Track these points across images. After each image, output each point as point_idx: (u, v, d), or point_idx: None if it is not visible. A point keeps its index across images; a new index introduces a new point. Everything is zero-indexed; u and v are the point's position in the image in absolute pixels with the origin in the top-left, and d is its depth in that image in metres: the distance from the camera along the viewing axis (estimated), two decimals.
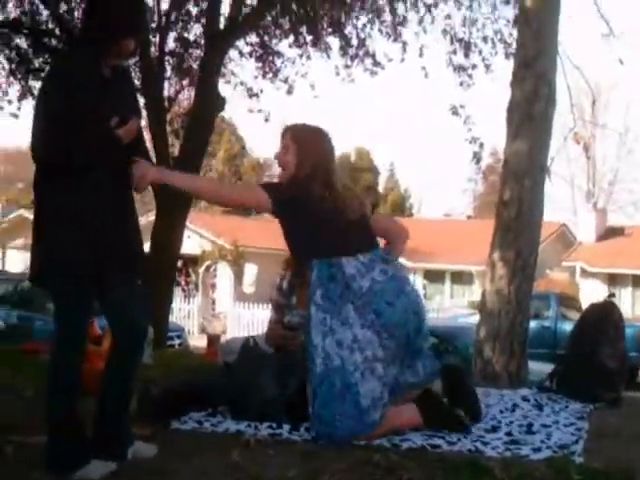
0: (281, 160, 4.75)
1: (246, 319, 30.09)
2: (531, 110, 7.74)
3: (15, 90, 15.37)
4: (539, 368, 8.21)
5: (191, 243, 27.43)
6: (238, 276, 35.08)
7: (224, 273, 35.09)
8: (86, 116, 3.77)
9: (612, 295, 7.40)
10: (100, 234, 3.86)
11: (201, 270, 35.41)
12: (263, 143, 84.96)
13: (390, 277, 4.55)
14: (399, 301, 4.51)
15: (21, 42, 15.11)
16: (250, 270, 35.51)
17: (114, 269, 3.97)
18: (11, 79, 15.17)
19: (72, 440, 3.87)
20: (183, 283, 34.90)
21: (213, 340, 7.51)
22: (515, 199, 7.67)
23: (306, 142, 4.71)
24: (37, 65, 14.85)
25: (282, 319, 5.72)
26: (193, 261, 35.56)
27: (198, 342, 20.74)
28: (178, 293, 27.43)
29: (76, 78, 3.82)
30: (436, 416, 4.67)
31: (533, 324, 8.21)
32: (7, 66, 15.28)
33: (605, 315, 6.50)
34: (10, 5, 14.62)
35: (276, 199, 4.53)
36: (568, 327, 18.42)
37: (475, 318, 7.57)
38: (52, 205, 3.83)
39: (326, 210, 4.55)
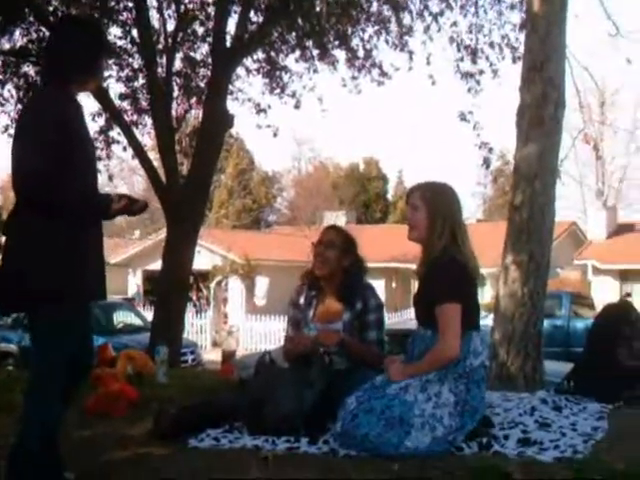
0: (411, 220, 4.82)
1: (258, 331, 30.16)
2: (541, 114, 7.73)
3: None
4: (553, 367, 8.18)
5: (202, 258, 27.45)
6: (249, 289, 35.14)
7: (235, 287, 35.15)
8: (78, 145, 3.88)
9: (628, 295, 7.41)
10: (93, 263, 4.01)
11: (212, 285, 35.48)
12: (271, 156, 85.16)
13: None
14: (484, 395, 4.73)
15: (29, 70, 15.19)
16: (261, 283, 35.56)
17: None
18: (20, 107, 15.19)
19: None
20: (195, 298, 34.95)
21: (228, 356, 7.47)
22: (526, 202, 7.66)
23: (435, 201, 4.77)
24: None
25: (299, 333, 5.68)
26: (204, 276, 35.65)
27: (211, 356, 20.78)
28: (190, 308, 27.45)
29: (64, 110, 3.92)
30: None
31: (546, 323, 8.18)
32: (15, 94, 15.35)
33: (622, 315, 6.46)
34: (17, 34, 14.68)
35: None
36: (581, 325, 18.52)
37: (488, 320, 7.55)
38: (47, 231, 3.83)
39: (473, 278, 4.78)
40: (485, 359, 4.76)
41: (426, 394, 4.48)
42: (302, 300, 5.77)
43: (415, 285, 5.05)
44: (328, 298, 5.64)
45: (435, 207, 4.75)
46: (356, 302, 5.53)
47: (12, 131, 15.04)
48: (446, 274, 4.65)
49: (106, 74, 14.12)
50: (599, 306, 20.49)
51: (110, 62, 14.43)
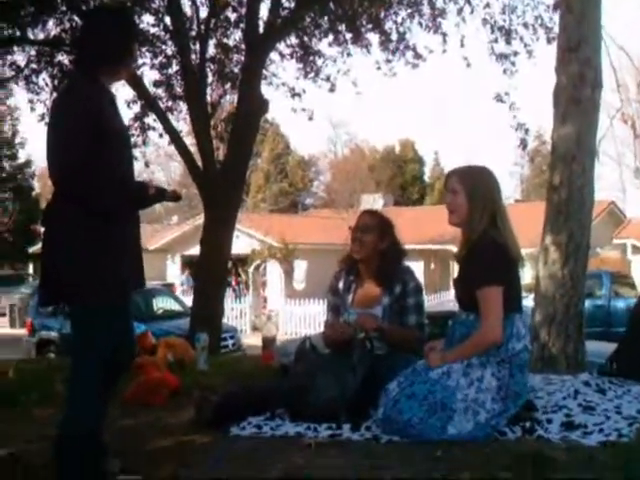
0: (451, 204, 4.81)
1: (298, 315, 30.23)
2: (577, 94, 7.65)
3: None
4: (594, 347, 8.12)
5: (240, 243, 27.52)
6: (288, 273, 35.20)
7: (274, 271, 35.22)
8: (111, 136, 3.90)
9: None
10: (131, 252, 4.06)
11: (251, 269, 35.58)
12: (307, 140, 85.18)
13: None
14: (527, 380, 4.74)
15: (63, 59, 15.26)
16: (300, 266, 35.62)
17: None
18: (55, 95, 15.25)
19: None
20: (234, 283, 35.06)
21: (268, 342, 7.46)
22: (565, 183, 7.59)
23: (474, 183, 4.77)
24: None
25: (338, 319, 5.68)
26: (242, 261, 35.78)
27: (251, 340, 20.84)
28: (229, 293, 27.56)
29: (96, 100, 3.93)
30: None
31: (586, 303, 8.10)
32: (50, 83, 15.43)
33: None
34: (50, 23, 14.74)
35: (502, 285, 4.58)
36: (621, 305, 18.37)
37: (529, 301, 7.48)
38: (84, 222, 3.85)
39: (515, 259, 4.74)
40: (528, 342, 4.70)
41: (469, 379, 4.46)
42: (341, 285, 5.77)
43: (454, 266, 5.05)
44: (367, 283, 5.64)
45: (474, 190, 4.73)
46: (395, 286, 5.52)
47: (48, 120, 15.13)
48: (487, 257, 4.62)
49: (140, 62, 14.15)
50: None
51: (143, 49, 14.48)
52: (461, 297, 4.83)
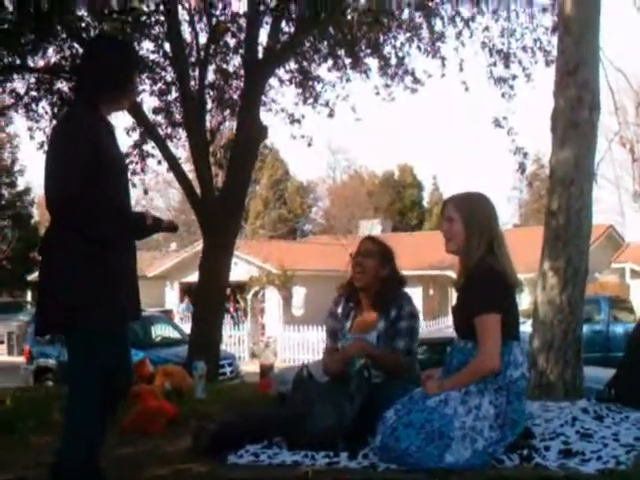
0: (447, 232, 4.83)
1: (296, 342, 30.20)
2: (575, 118, 7.65)
3: None
4: (593, 373, 8.10)
5: (238, 270, 27.54)
6: (287, 300, 35.20)
7: (272, 297, 35.23)
8: (108, 165, 3.91)
9: None
10: (127, 283, 4.08)
11: (249, 296, 35.55)
12: (306, 166, 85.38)
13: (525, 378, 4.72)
14: (525, 408, 4.72)
15: (62, 86, 15.31)
16: (298, 293, 35.60)
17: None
18: (54, 122, 15.30)
19: None
20: (232, 310, 35.04)
21: (266, 370, 7.44)
22: (563, 208, 7.58)
23: (470, 211, 4.79)
24: None
25: (336, 345, 5.67)
26: (241, 287, 35.74)
27: (249, 367, 20.79)
28: (227, 320, 27.52)
29: (95, 130, 3.95)
30: None
31: (585, 328, 8.09)
32: (50, 111, 15.47)
33: None
34: (50, 51, 14.80)
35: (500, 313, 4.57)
36: (620, 330, 18.35)
37: (527, 327, 7.47)
38: (81, 252, 3.86)
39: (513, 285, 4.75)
40: (525, 370, 4.70)
41: (466, 407, 4.44)
42: (339, 311, 5.78)
43: (453, 292, 5.07)
44: (365, 309, 5.65)
45: (471, 218, 4.75)
46: (391, 310, 5.53)
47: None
48: (484, 284, 4.61)
49: (139, 88, 14.18)
50: (639, 310, 20.28)
51: (143, 76, 14.52)
52: (459, 325, 4.80)
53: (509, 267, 4.72)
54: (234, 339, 30.97)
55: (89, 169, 3.80)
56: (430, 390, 4.57)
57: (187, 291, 36.52)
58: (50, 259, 3.95)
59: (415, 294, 5.37)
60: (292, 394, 5.25)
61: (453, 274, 4.94)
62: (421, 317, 5.72)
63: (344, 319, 5.73)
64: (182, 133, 15.68)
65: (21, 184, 47.03)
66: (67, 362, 4.02)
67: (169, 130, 15.86)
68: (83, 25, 14.13)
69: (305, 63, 15.71)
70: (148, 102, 15.49)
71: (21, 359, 21.68)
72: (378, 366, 5.33)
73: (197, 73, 14.57)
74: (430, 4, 14.84)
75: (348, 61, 15.48)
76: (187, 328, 17.45)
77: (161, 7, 14.04)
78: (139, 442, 5.34)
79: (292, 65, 15.61)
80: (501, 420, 4.46)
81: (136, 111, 13.99)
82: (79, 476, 3.80)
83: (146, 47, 14.85)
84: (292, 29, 14.56)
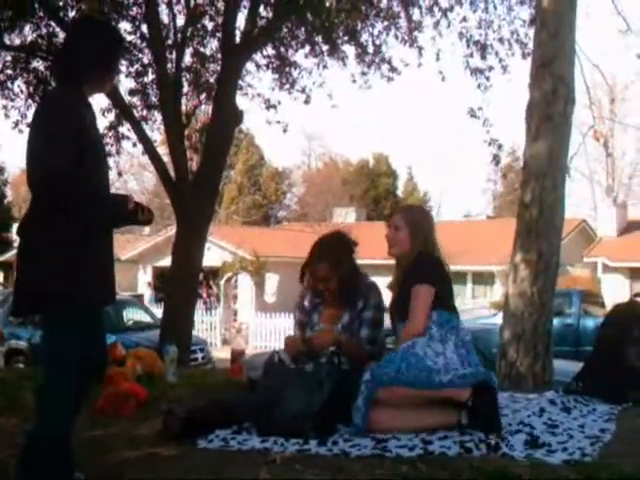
0: (394, 239, 5.47)
1: (268, 329, 30.23)
2: (550, 111, 7.71)
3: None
4: (563, 366, 8.16)
5: (212, 255, 27.49)
6: (259, 286, 35.16)
7: (245, 284, 35.18)
8: (90, 144, 3.91)
9: (638, 295, 7.37)
10: (109, 265, 4.10)
11: (222, 282, 35.48)
12: (281, 152, 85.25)
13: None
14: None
15: (38, 65, 15.22)
16: (271, 280, 35.58)
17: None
18: (29, 102, 15.24)
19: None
20: (205, 295, 34.98)
21: (237, 356, 7.44)
22: (536, 200, 7.64)
23: (415, 221, 5.48)
24: None
25: (304, 336, 5.69)
26: (214, 273, 35.65)
27: (221, 354, 20.77)
28: (199, 305, 27.48)
29: (77, 109, 3.94)
30: (483, 414, 4.79)
31: (556, 322, 8.17)
32: (25, 90, 15.38)
33: (631, 315, 6.45)
34: (27, 29, 14.71)
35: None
36: (591, 324, 18.46)
37: (497, 319, 7.53)
38: (60, 234, 3.85)
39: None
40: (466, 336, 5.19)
41: (431, 350, 4.95)
42: (306, 303, 5.79)
43: None
44: (331, 303, 5.66)
45: (416, 227, 5.42)
46: (357, 302, 5.56)
47: (22, 127, 15.10)
48: (420, 266, 5.27)
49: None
50: (609, 304, 20.47)
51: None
52: (399, 313, 5.28)
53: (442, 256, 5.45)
54: (206, 325, 30.93)
55: (72, 147, 3.79)
56: None
57: (159, 276, 36.34)
58: (28, 240, 3.94)
59: (386, 283, 5.42)
60: (262, 379, 5.26)
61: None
62: None
63: (312, 311, 5.75)
64: (158, 116, 15.65)
65: None
66: (45, 343, 4.01)
67: (145, 112, 15.82)
68: (61, 4, 14.06)
69: (282, 49, 15.69)
70: (124, 83, 15.42)
71: None
72: (349, 355, 5.36)
73: (174, 56, 14.54)
74: None
75: (325, 48, 15.46)
76: (159, 312, 17.43)
77: None
78: (109, 424, 5.33)
79: (269, 50, 15.60)
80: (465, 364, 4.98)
81: (112, 92, 13.92)
82: (50, 458, 3.80)
83: (123, 28, 14.76)
84: (270, 14, 14.53)
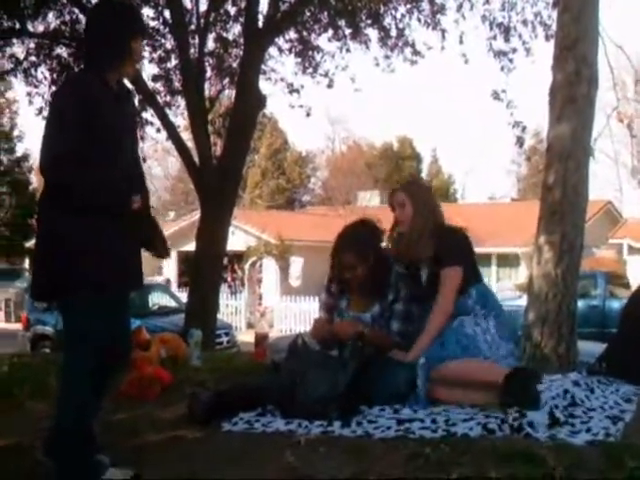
0: (400, 215, 5.60)
1: (293, 312, 30.25)
2: (573, 93, 7.65)
3: None
4: (588, 348, 8.13)
5: (236, 239, 27.55)
6: (284, 270, 35.18)
7: (270, 267, 35.21)
8: (104, 130, 3.90)
9: None
10: (133, 250, 4.11)
11: (247, 266, 35.53)
12: (305, 136, 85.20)
13: None
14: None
15: (62, 52, 15.28)
16: (296, 263, 35.57)
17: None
18: (53, 88, 15.28)
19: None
20: (229, 279, 35.04)
21: (261, 339, 7.47)
22: (560, 182, 7.60)
23: (419, 196, 5.61)
24: None
25: (331, 319, 5.68)
26: (238, 257, 35.70)
27: (246, 337, 20.83)
28: (224, 289, 27.53)
29: (94, 93, 3.93)
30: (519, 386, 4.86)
31: (581, 304, 8.15)
32: (49, 76, 15.45)
33: None
34: (50, 16, 14.76)
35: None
36: (616, 305, 18.36)
37: (522, 301, 7.51)
38: (81, 218, 3.85)
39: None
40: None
41: (480, 328, 5.24)
42: (333, 289, 5.77)
43: None
44: (359, 291, 5.63)
45: (420, 199, 5.58)
46: (388, 292, 5.54)
47: (46, 114, 15.16)
48: (446, 245, 5.44)
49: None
50: (635, 285, 20.34)
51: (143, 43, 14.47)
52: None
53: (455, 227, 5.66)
54: (231, 309, 30.97)
55: (83, 132, 3.80)
56: (407, 358, 5.13)
57: (183, 261, 36.39)
58: (45, 223, 3.96)
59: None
60: (286, 362, 5.27)
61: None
62: None
63: (340, 296, 5.73)
64: (181, 101, 15.68)
65: (20, 150, 46.94)
66: (63, 329, 4.02)
67: (168, 98, 15.87)
68: None
69: (305, 33, 15.66)
70: (147, 69, 15.49)
71: (18, 326, 21.68)
72: (374, 346, 5.35)
73: (197, 41, 14.56)
74: None
75: (348, 31, 15.43)
76: (184, 297, 17.49)
77: None
78: (134, 408, 5.37)
79: (292, 34, 15.59)
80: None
81: (135, 78, 13.94)
82: (74, 443, 3.83)
83: (146, 14, 14.82)
84: None
